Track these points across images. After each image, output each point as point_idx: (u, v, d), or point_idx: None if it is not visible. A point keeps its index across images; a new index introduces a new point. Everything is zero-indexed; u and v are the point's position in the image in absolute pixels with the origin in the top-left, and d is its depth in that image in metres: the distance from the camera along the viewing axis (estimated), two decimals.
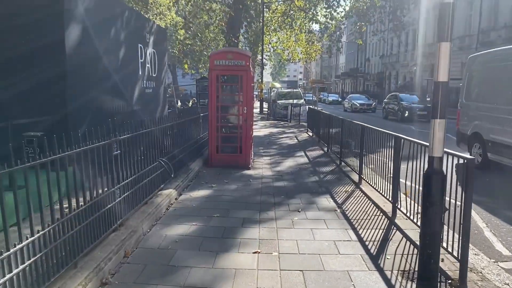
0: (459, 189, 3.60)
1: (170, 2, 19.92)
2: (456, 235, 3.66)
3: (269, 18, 32.16)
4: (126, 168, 4.59)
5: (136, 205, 4.95)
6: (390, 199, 5.59)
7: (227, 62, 8.35)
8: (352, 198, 6.33)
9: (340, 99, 51.28)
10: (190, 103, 23.83)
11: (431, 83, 33.34)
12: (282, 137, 14.77)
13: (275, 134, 15.73)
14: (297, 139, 14.28)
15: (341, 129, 9.07)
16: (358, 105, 33.49)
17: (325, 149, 11.18)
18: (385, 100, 27.52)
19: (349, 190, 6.81)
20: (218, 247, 4.26)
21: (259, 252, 4.14)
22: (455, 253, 3.70)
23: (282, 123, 21.07)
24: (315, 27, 30.73)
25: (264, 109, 27.82)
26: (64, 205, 3.25)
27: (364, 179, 7.04)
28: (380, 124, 18.85)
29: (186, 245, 4.32)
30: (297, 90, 28.58)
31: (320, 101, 41.04)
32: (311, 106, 19.46)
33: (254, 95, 43.84)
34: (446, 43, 3.45)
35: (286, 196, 6.40)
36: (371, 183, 6.59)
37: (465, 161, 3.53)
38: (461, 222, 3.53)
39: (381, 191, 6.06)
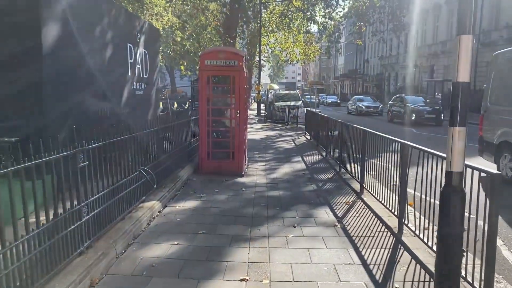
0: (477, 202, 3.05)
1: (166, 3, 19.38)
2: (475, 258, 3.11)
3: (266, 19, 31.71)
4: (96, 181, 4.03)
5: (111, 222, 4.39)
6: (395, 212, 5.04)
7: (219, 62, 7.80)
8: (353, 210, 5.78)
9: (339, 101, 50.76)
10: (187, 105, 23.30)
11: (431, 84, 32.98)
12: (279, 141, 14.23)
13: (271, 138, 15.18)
14: (294, 143, 13.73)
15: (341, 133, 8.52)
16: (363, 107, 30.88)
17: (324, 154, 10.63)
18: (389, 102, 25.96)
19: (350, 201, 6.25)
20: (201, 273, 3.69)
21: (247, 280, 3.57)
22: (476, 284, 3.16)
23: (279, 125, 20.53)
24: (314, 28, 30.31)
25: (262, 111, 27.17)
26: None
27: (366, 189, 6.50)
28: (385, 128, 18.51)
29: (164, 270, 3.75)
30: (295, 92, 28.03)
31: (319, 102, 40.44)
32: (309, 109, 18.95)
33: (252, 98, 43.43)
34: (467, 36, 2.93)
35: (281, 208, 5.84)
36: (373, 193, 6.04)
37: (489, 175, 2.98)
38: (485, 249, 2.99)
39: (385, 203, 5.51)
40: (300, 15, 27.97)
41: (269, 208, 5.85)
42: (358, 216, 5.48)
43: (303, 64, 45.67)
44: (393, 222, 5.06)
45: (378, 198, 5.81)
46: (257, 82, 30.00)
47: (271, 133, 16.98)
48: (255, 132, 17.11)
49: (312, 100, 38.05)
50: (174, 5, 20.54)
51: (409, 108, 21.85)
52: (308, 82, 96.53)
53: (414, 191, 4.47)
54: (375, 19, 23.41)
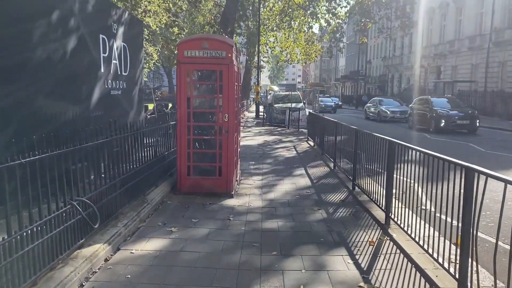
0: None
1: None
2: None
3: (266, 17, 30.13)
4: None
5: None
6: (448, 267, 3.39)
7: (202, 53, 6.15)
8: (382, 256, 4.11)
9: (340, 103, 49.01)
10: None
11: (440, 85, 31.30)
12: (278, 148, 12.57)
13: (270, 144, 13.51)
14: (296, 150, 12.07)
15: (355, 142, 6.87)
16: (389, 112, 24.67)
17: (331, 165, 8.99)
18: (411, 105, 21.45)
19: (374, 239, 4.59)
20: None
21: None
22: None
23: (279, 129, 18.88)
24: (315, 27, 28.85)
25: (260, 113, 25.16)
26: None
27: (393, 219, 4.84)
28: (409, 137, 15.84)
29: None
30: (296, 92, 26.42)
31: (336, 106, 38.32)
32: (310, 111, 17.35)
33: (250, 99, 41.80)
34: None
35: (280, 252, 4.18)
36: (405, 227, 4.40)
37: None
38: None
39: (424, 245, 3.86)
40: (301, 13, 26.39)
41: (263, 251, 4.19)
42: (391, 269, 3.81)
43: (304, 64, 44.08)
44: (448, 281, 3.39)
45: (413, 235, 4.16)
46: (256, 83, 28.37)
47: (270, 138, 15.31)
48: (252, 137, 15.45)
49: (332, 103, 35.62)
50: (168, 1, 19.09)
51: (437, 113, 18.00)
52: (309, 83, 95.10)
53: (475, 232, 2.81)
54: (381, 15, 21.75)
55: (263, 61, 41.90)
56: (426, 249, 3.85)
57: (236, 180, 7.14)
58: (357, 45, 55.44)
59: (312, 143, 12.92)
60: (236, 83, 6.83)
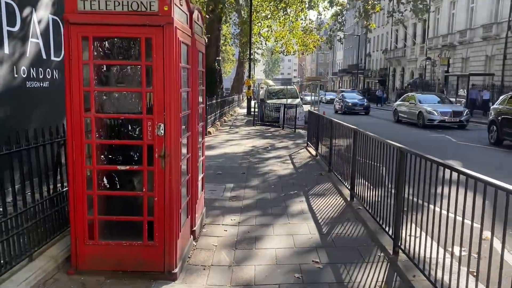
0: None
1: None
2: None
3: (258, 3, 27.00)
4: None
5: None
6: None
7: (112, 3, 3.13)
8: None
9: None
10: None
11: (452, 79, 28.19)
12: (270, 158, 9.56)
13: (259, 152, 10.51)
14: (292, 162, 9.09)
15: (399, 172, 3.91)
16: (437, 114, 17.00)
17: (346, 192, 6.04)
18: (496, 105, 13.05)
19: None
20: None
21: None
22: None
23: (271, 130, 15.86)
24: (313, 14, 25.87)
25: (253, 110, 21.33)
26: None
27: None
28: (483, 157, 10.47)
29: None
30: (292, 87, 23.33)
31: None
32: (311, 110, 14.40)
33: (244, 94, 38.57)
34: None
35: None
36: None
37: None
38: None
39: None
40: None
41: None
42: None
43: (300, 56, 41.00)
44: None
45: None
46: (249, 76, 25.31)
47: (260, 142, 12.30)
48: (238, 141, 12.45)
49: (364, 101, 27.49)
50: None
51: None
52: (305, 78, 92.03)
53: None
54: None
55: (257, 53, 38.77)
56: None
57: (190, 236, 4.15)
58: (355, 37, 52.50)
59: (313, 151, 9.93)
60: (187, 66, 3.83)
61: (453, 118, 16.80)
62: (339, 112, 27.40)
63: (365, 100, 28.26)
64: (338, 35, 23.87)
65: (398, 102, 21.54)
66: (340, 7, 23.14)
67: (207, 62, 20.00)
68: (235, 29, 35.28)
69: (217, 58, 20.58)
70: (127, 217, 3.42)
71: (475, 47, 28.96)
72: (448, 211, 3.04)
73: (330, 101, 42.43)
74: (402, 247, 3.77)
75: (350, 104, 26.70)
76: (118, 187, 3.51)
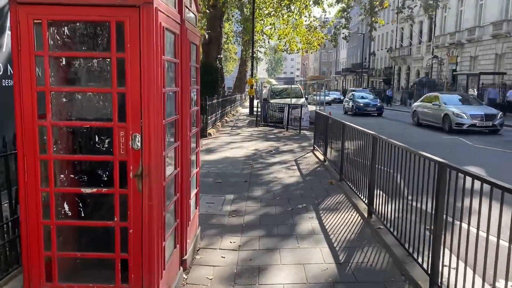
0: None
1: None
2: None
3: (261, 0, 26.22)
4: None
5: None
6: None
7: None
8: None
9: (342, 98, 44.92)
10: None
11: (462, 78, 27.20)
12: (274, 164, 8.81)
13: (262, 156, 9.76)
14: (298, 168, 8.34)
15: (436, 191, 3.16)
16: (466, 117, 14.64)
17: (362, 206, 5.28)
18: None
19: None
20: None
21: None
22: None
23: (275, 131, 15.11)
24: (317, 11, 25.07)
25: (257, 109, 20.20)
26: None
27: None
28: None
29: None
30: (296, 86, 22.56)
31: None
32: (317, 110, 13.67)
33: (247, 93, 37.65)
34: None
35: None
36: None
37: None
38: None
39: None
40: None
41: None
42: None
43: (304, 54, 40.18)
44: None
45: None
46: (251, 75, 24.54)
47: (263, 145, 11.55)
48: (240, 144, 11.71)
49: (377, 101, 25.12)
50: None
51: None
52: (308, 77, 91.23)
53: None
54: None
55: (260, 51, 37.96)
56: None
57: (182, 263, 3.42)
58: (359, 36, 51.53)
59: (321, 156, 9.17)
60: (175, 59, 3.08)
61: (485, 122, 14.45)
62: (349, 113, 25.31)
63: (378, 100, 26.26)
64: (343, 33, 22.93)
65: (418, 103, 18.94)
66: (346, 3, 22.36)
67: (209, 60, 19.33)
68: (237, 27, 34.48)
69: (219, 56, 19.86)
70: (95, 254, 2.68)
71: (484, 45, 28.10)
72: (498, 238, 2.31)
73: (334, 101, 41.52)
74: (443, 286, 3.02)
75: (361, 104, 24.52)
76: (83, 215, 2.76)
